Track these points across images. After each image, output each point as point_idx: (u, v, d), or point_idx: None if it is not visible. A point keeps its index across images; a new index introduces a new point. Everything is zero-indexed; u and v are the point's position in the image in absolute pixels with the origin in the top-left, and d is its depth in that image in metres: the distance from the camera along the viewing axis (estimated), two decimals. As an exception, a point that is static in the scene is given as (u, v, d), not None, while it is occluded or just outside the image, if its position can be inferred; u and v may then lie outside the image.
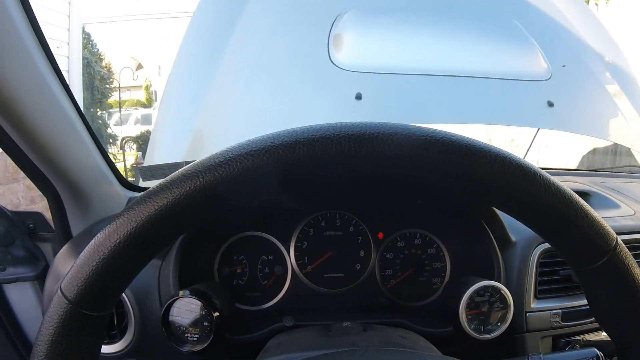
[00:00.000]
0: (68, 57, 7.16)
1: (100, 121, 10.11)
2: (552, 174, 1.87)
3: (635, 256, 1.34)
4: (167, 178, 0.55)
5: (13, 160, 1.15)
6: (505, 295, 1.11)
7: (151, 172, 1.79)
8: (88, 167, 1.30)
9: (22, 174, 1.24)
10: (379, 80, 1.98)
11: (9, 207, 1.38)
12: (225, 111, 1.98)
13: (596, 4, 6.77)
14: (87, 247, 0.55)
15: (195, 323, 1.06)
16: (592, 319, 0.68)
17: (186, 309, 1.06)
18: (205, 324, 1.05)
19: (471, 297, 1.10)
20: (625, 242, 1.33)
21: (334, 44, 2.01)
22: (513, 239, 1.28)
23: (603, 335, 1.30)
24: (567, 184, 1.78)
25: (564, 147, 5.13)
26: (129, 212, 0.54)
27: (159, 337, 1.07)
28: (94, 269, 0.54)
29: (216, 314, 1.06)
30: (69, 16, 7.24)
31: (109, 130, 10.18)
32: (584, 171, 2.53)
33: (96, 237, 0.55)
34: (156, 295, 1.21)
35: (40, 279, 1.33)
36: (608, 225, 0.60)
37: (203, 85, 1.99)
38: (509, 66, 2.11)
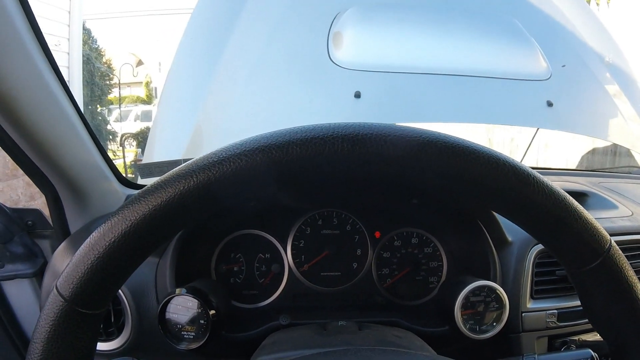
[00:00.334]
0: (68, 54, 7.15)
1: (100, 117, 10.10)
2: (550, 174, 1.87)
3: (632, 257, 1.35)
4: (162, 177, 0.55)
5: (11, 157, 1.15)
6: (500, 295, 1.11)
7: (149, 169, 1.79)
8: (86, 164, 1.29)
9: (21, 171, 1.24)
10: (379, 79, 1.98)
11: (8, 204, 1.38)
12: (225, 108, 1.98)
13: (597, 4, 6.76)
14: (82, 246, 0.56)
15: (191, 321, 1.06)
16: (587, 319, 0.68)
17: (183, 307, 1.06)
18: (202, 322, 1.05)
19: (467, 297, 1.10)
20: (622, 243, 1.35)
21: (334, 42, 2.01)
22: (509, 239, 1.29)
23: (599, 336, 1.30)
24: (566, 184, 1.79)
25: (564, 147, 5.13)
26: (123, 211, 0.54)
27: (156, 335, 1.07)
28: (89, 267, 0.55)
29: (212, 311, 1.06)
30: (69, 12, 7.24)
31: (108, 127, 10.18)
32: (582, 171, 2.53)
33: (91, 235, 0.55)
34: (153, 292, 1.21)
35: (38, 276, 1.33)
36: (602, 227, 0.60)
37: (203, 82, 1.99)
38: (508, 65, 2.11)
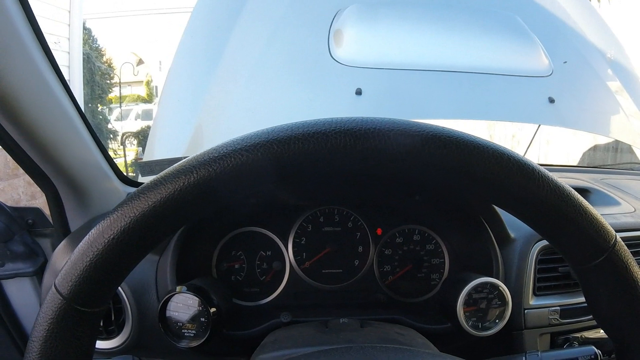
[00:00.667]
0: (68, 53, 7.15)
1: (101, 116, 10.11)
2: (552, 170, 1.87)
3: (635, 254, 1.35)
4: (161, 173, 0.55)
5: (11, 156, 1.15)
6: (503, 292, 1.11)
7: (150, 167, 1.79)
8: (86, 163, 1.29)
9: (22, 170, 1.24)
10: (380, 76, 1.97)
11: (10, 203, 1.38)
12: (226, 106, 1.98)
13: (598, 1, 6.75)
14: (80, 243, 0.55)
15: (192, 319, 1.06)
16: (591, 316, 0.67)
17: (183, 305, 1.06)
18: (202, 319, 1.05)
19: (469, 294, 1.10)
20: (625, 239, 1.34)
21: (335, 39, 2.01)
22: (512, 235, 1.28)
23: (602, 333, 1.30)
24: (568, 181, 1.78)
25: (565, 144, 5.13)
26: (122, 208, 0.54)
27: (156, 333, 1.07)
28: (87, 265, 0.54)
29: (213, 309, 1.05)
30: (69, 11, 7.24)
31: (109, 126, 10.18)
32: (584, 168, 2.53)
33: (90, 233, 0.55)
34: (154, 290, 1.20)
35: (39, 274, 1.33)
36: (607, 223, 0.60)
37: (203, 80, 1.98)
38: (510, 62, 2.11)
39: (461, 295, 1.09)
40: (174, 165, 0.55)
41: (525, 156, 0.58)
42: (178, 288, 1.06)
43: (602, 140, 4.23)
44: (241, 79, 2.00)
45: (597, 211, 0.59)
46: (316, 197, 1.35)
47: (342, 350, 0.64)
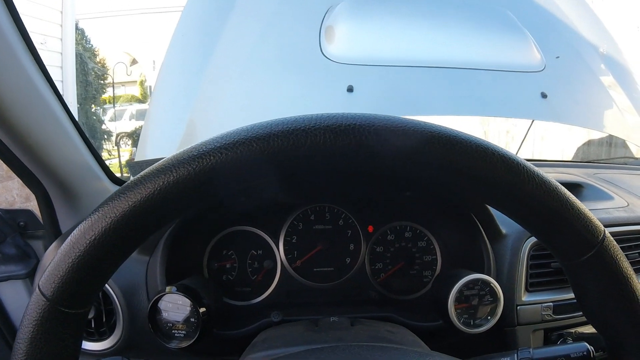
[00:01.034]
0: (61, 53, 7.15)
1: (94, 117, 10.09)
2: (546, 165, 1.87)
3: (628, 248, 1.35)
4: (142, 173, 0.55)
5: (-1, 157, 1.15)
6: (495, 288, 1.10)
7: (140, 167, 1.78)
8: (75, 163, 1.29)
9: (16, 172, 1.24)
10: (371, 73, 1.97)
11: (4, 205, 1.38)
12: (217, 104, 1.98)
13: (591, -5, 6.75)
14: (63, 245, 0.55)
15: (182, 319, 1.05)
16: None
17: (173, 305, 1.05)
18: (192, 320, 1.04)
19: (460, 291, 1.09)
20: (617, 234, 1.34)
21: (326, 36, 2.00)
22: (504, 231, 1.28)
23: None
24: (561, 176, 1.78)
25: (559, 139, 5.13)
26: (103, 208, 0.54)
27: (147, 334, 1.06)
28: (70, 266, 0.54)
29: (203, 309, 1.05)
30: (61, 12, 7.22)
31: (103, 127, 10.17)
32: (578, 163, 2.53)
33: (72, 234, 0.55)
34: (144, 291, 1.20)
35: (31, 276, 1.32)
36: (595, 218, 0.59)
37: (195, 78, 1.98)
38: (502, 57, 2.11)
39: (452, 292, 1.09)
40: (155, 164, 0.55)
41: (519, 152, 0.57)
42: (168, 288, 1.05)
43: (595, 135, 4.23)
44: (233, 76, 2.00)
45: (585, 206, 0.59)
46: (307, 195, 1.34)
47: (328, 350, 0.64)
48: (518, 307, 1.24)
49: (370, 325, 1.04)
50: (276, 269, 1.36)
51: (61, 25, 7.21)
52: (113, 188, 1.44)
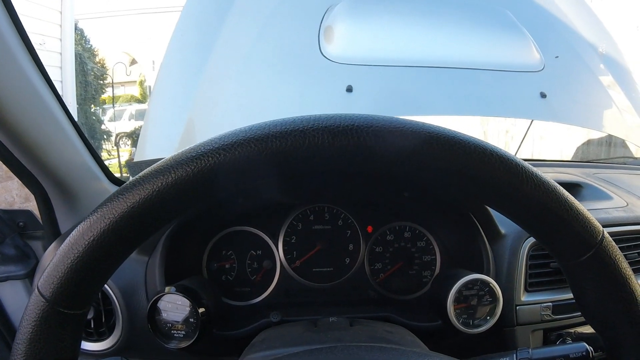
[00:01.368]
0: (60, 54, 7.15)
1: (94, 117, 10.09)
2: (545, 165, 1.87)
3: (627, 248, 1.35)
4: (140, 174, 0.55)
5: (-2, 157, 1.15)
6: (494, 288, 1.10)
7: (140, 167, 1.78)
8: (74, 164, 1.29)
9: (15, 172, 1.23)
10: (370, 73, 1.97)
11: (3, 206, 1.38)
12: (217, 104, 1.98)
13: (590, -5, 6.74)
14: (62, 245, 0.55)
15: (181, 319, 1.05)
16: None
17: (172, 305, 1.05)
18: (191, 320, 1.04)
19: (459, 291, 1.09)
20: (616, 234, 1.34)
21: (325, 36, 2.00)
22: (503, 231, 1.28)
23: (593, 329, 1.30)
24: (560, 176, 1.78)
25: (558, 139, 5.13)
26: (102, 209, 0.54)
27: (146, 334, 1.06)
28: (69, 266, 0.54)
29: (202, 310, 1.05)
30: (60, 12, 7.22)
31: (103, 127, 10.17)
32: (577, 162, 2.53)
33: (71, 234, 0.55)
34: (143, 291, 1.20)
35: (30, 277, 1.32)
36: (594, 218, 0.59)
37: (193, 78, 1.98)
38: (501, 57, 2.11)
39: (451, 292, 1.09)
40: (153, 165, 0.55)
41: (518, 152, 0.57)
42: (167, 289, 1.05)
43: (595, 134, 4.23)
44: (232, 76, 2.00)
45: (586, 207, 0.59)
46: (306, 195, 1.34)
47: (326, 350, 0.63)
48: (517, 307, 1.24)
49: (369, 325, 1.04)
50: (275, 269, 1.36)
51: (60, 26, 7.21)
52: (112, 188, 1.44)
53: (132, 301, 1.20)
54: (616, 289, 0.60)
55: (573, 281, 0.64)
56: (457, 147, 0.54)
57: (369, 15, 2.14)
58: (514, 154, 0.57)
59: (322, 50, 1.96)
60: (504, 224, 1.28)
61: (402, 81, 1.99)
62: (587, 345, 0.92)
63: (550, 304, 1.26)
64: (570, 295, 1.25)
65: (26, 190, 1.29)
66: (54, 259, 0.55)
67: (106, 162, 1.44)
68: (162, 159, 0.55)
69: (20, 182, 1.26)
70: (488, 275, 1.16)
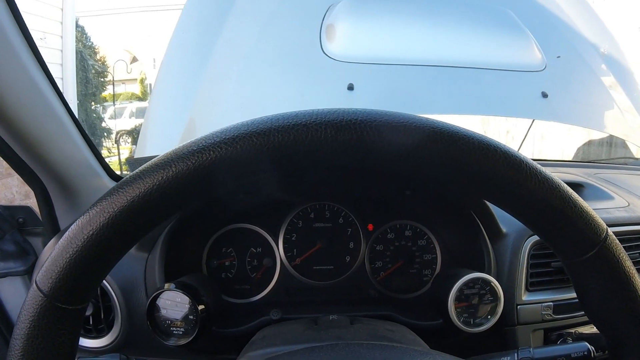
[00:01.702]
0: (61, 51, 7.15)
1: (94, 115, 10.10)
2: (546, 165, 1.86)
3: (629, 248, 1.34)
4: (140, 168, 0.54)
5: (-2, 153, 1.14)
6: (495, 287, 1.10)
7: (140, 164, 1.77)
8: (74, 160, 1.28)
9: (15, 169, 1.23)
10: (372, 71, 1.97)
11: (3, 202, 1.38)
12: (217, 102, 1.98)
13: (592, -5, 6.74)
14: (61, 240, 0.54)
15: (180, 316, 1.04)
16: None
17: (172, 302, 1.05)
18: (191, 317, 1.04)
19: (460, 290, 1.09)
20: (618, 234, 1.33)
21: (327, 34, 2.00)
22: (504, 230, 1.27)
23: (596, 328, 1.29)
24: (562, 176, 1.78)
25: (559, 139, 5.13)
26: (101, 203, 0.53)
27: (145, 331, 1.06)
28: (67, 261, 0.53)
29: (201, 307, 1.04)
30: (61, 9, 7.22)
31: (103, 124, 10.18)
32: (578, 162, 2.52)
33: (70, 229, 0.54)
34: (142, 288, 1.20)
35: (30, 273, 1.32)
36: (598, 216, 0.59)
37: (194, 76, 1.98)
38: (503, 57, 2.10)
39: (452, 291, 1.09)
40: (154, 159, 0.54)
41: (519, 151, 0.57)
42: (166, 285, 1.04)
43: (596, 135, 4.23)
44: (232, 74, 2.00)
45: (588, 204, 0.58)
46: (306, 192, 1.34)
47: (327, 348, 0.63)
48: (518, 307, 1.23)
49: (369, 323, 1.04)
50: (275, 267, 1.35)
51: (61, 23, 7.21)
52: (112, 185, 1.43)
53: (131, 298, 1.20)
54: (620, 287, 0.60)
55: (576, 280, 0.64)
56: (460, 143, 0.54)
57: (370, 14, 2.14)
58: (516, 151, 0.57)
59: (324, 49, 1.95)
60: (505, 223, 1.28)
61: (403, 80, 1.99)
62: (588, 345, 0.91)
63: (551, 303, 1.26)
64: (571, 295, 1.25)
65: (26, 187, 1.29)
66: (52, 253, 0.54)
67: (106, 160, 1.44)
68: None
69: (20, 179, 1.26)
70: (489, 274, 1.15)
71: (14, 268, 1.31)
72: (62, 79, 7.07)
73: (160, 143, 1.95)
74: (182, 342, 1.04)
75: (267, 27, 2.08)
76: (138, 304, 1.19)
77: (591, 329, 1.30)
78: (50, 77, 1.14)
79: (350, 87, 1.86)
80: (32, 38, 1.06)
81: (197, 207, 1.17)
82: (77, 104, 8.12)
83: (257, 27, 2.07)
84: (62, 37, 7.18)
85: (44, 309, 0.54)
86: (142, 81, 17.38)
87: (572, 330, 1.28)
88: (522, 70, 2.06)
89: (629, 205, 1.57)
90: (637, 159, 2.76)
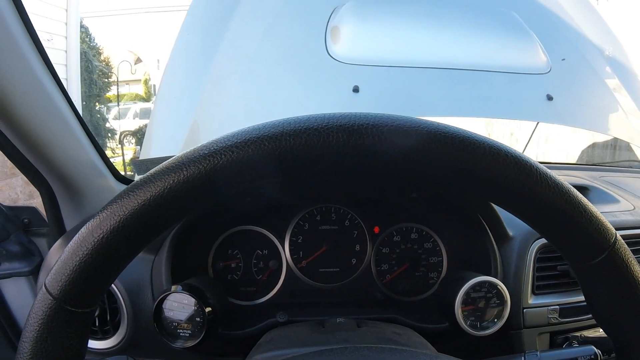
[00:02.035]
0: (66, 51, 7.16)
1: (98, 115, 10.12)
2: (551, 168, 1.86)
3: (635, 252, 1.33)
4: (151, 171, 0.54)
5: (4, 154, 1.14)
6: (502, 291, 1.10)
7: (146, 165, 1.78)
8: (81, 161, 1.29)
9: (19, 169, 1.24)
10: (377, 73, 1.97)
11: (7, 202, 1.38)
12: (222, 104, 1.98)
13: (597, -2, 6.74)
14: (70, 243, 0.54)
15: (187, 318, 1.05)
16: (591, 315, 0.66)
17: (178, 305, 1.05)
18: (198, 319, 1.04)
19: (467, 293, 1.09)
20: (624, 237, 1.32)
21: (332, 36, 2.00)
22: (510, 233, 1.27)
23: (602, 332, 1.29)
24: (566, 179, 1.77)
25: (564, 141, 5.13)
26: (111, 206, 0.53)
27: (151, 333, 1.06)
28: (77, 264, 0.53)
29: (208, 309, 1.05)
30: (66, 10, 7.23)
31: (107, 125, 10.20)
32: (583, 165, 2.52)
33: (80, 232, 0.54)
34: (149, 290, 1.20)
35: (35, 274, 1.33)
36: (607, 221, 0.59)
37: (199, 78, 1.98)
38: (508, 59, 2.10)
39: (459, 294, 1.09)
40: (164, 162, 0.54)
41: (524, 154, 0.57)
42: (173, 287, 1.05)
43: (600, 137, 4.23)
44: (237, 76, 2.00)
45: (596, 209, 0.58)
46: (313, 195, 1.34)
47: (337, 351, 0.63)
48: (524, 310, 1.23)
49: (376, 326, 1.04)
50: (281, 269, 1.36)
51: (66, 24, 7.22)
52: (118, 186, 1.44)
53: (137, 300, 1.20)
54: (628, 291, 0.60)
55: (585, 284, 0.64)
56: (471, 148, 0.54)
57: (375, 16, 2.14)
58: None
59: (329, 51, 1.95)
60: (512, 226, 1.28)
61: (408, 82, 1.99)
62: (595, 349, 0.91)
63: (558, 307, 1.26)
64: (578, 299, 1.25)
65: (30, 187, 1.30)
66: (62, 256, 0.54)
67: (110, 160, 1.44)
68: (168, 156, 0.55)
69: (24, 178, 1.26)
70: (495, 277, 1.15)
71: (19, 268, 1.31)
72: (66, 79, 7.08)
73: (165, 144, 1.95)
74: (189, 344, 1.04)
75: (272, 29, 2.08)
76: (144, 305, 1.19)
77: (597, 333, 1.30)
78: (57, 78, 1.15)
79: (356, 89, 1.86)
80: (38, 39, 1.07)
81: (204, 209, 1.17)
82: (82, 104, 8.13)
83: (262, 28, 2.07)
84: (66, 37, 7.19)
85: (53, 312, 0.54)
86: (146, 82, 17.42)
87: (578, 334, 1.28)
88: (527, 72, 2.06)
89: (634, 208, 1.57)
90: (641, 162, 2.76)
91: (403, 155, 0.54)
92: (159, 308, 1.04)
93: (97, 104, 10.47)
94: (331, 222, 1.36)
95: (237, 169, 0.53)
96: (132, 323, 1.20)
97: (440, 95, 2.01)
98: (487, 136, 0.56)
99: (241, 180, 0.54)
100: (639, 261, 1.32)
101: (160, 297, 1.04)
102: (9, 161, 1.18)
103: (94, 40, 11.18)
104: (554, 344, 1.28)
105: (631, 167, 2.40)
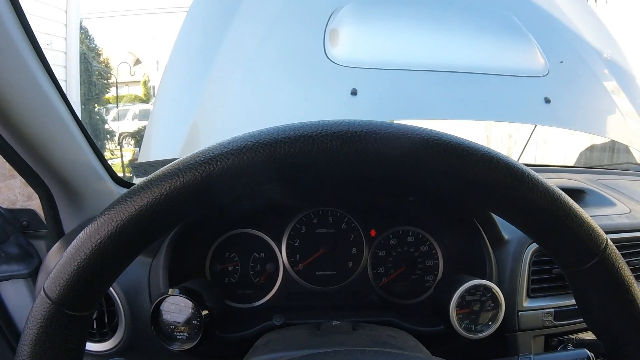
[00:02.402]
0: (65, 53, 7.14)
1: (97, 117, 10.10)
2: (548, 170, 1.87)
3: (630, 255, 1.34)
4: (148, 177, 0.55)
5: (2, 156, 1.15)
6: (496, 294, 1.10)
7: (144, 168, 1.78)
8: (79, 164, 1.29)
9: (18, 171, 1.24)
10: (375, 76, 1.97)
11: (6, 204, 1.38)
12: (221, 106, 1.98)
13: (595, 0, 6.74)
14: (69, 247, 0.55)
15: (184, 321, 1.05)
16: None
17: (176, 307, 1.05)
18: (195, 322, 1.05)
19: (462, 296, 1.09)
20: (620, 240, 1.34)
21: (330, 39, 2.00)
22: (506, 237, 1.28)
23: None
24: (564, 181, 1.78)
25: (562, 144, 5.13)
26: (109, 212, 0.54)
27: (149, 335, 1.07)
28: (75, 269, 0.54)
29: (205, 312, 1.05)
30: (66, 11, 7.22)
31: (106, 126, 10.18)
32: (580, 168, 2.52)
33: (78, 236, 0.55)
34: (146, 293, 1.20)
35: (33, 276, 1.33)
36: (598, 226, 0.59)
37: (198, 80, 1.98)
38: (506, 62, 2.10)
39: (454, 297, 1.09)
40: (162, 168, 0.55)
41: (521, 157, 0.58)
42: (170, 290, 1.05)
43: (598, 140, 4.23)
44: (236, 78, 2.00)
45: (589, 213, 0.59)
46: (310, 198, 1.35)
47: (331, 354, 0.64)
48: (519, 313, 1.24)
49: (372, 329, 1.04)
50: (278, 272, 1.36)
51: (65, 25, 7.21)
52: (116, 188, 1.45)
53: (135, 302, 1.20)
54: (619, 296, 0.60)
55: (576, 288, 0.64)
56: (464, 155, 0.54)
57: (374, 19, 2.14)
58: (517, 158, 0.57)
59: (327, 53, 1.95)
60: (507, 230, 1.28)
61: (406, 85, 1.99)
62: (588, 352, 0.91)
63: (552, 310, 1.26)
64: (572, 302, 1.24)
65: (29, 188, 1.30)
66: (60, 260, 0.55)
67: (109, 162, 1.45)
68: (167, 159, 0.56)
69: (22, 180, 1.26)
70: (491, 280, 1.16)
71: (17, 271, 1.32)
72: (65, 81, 7.06)
73: (164, 146, 1.95)
74: (186, 347, 1.04)
75: (271, 31, 2.08)
76: (142, 308, 1.20)
77: (592, 336, 1.30)
78: (55, 80, 1.15)
79: (354, 92, 1.86)
80: (37, 41, 1.07)
81: (201, 214, 1.18)
82: (81, 106, 8.12)
83: (262, 31, 2.07)
84: (66, 39, 7.17)
85: (51, 316, 0.55)
86: (145, 83, 17.41)
87: (573, 337, 1.28)
88: (525, 75, 2.06)
89: (630, 211, 1.57)
90: (639, 164, 2.76)
91: (396, 162, 0.55)
92: (157, 311, 1.05)
93: (96, 105, 10.45)
94: (328, 226, 1.37)
95: (232, 176, 0.53)
96: (130, 326, 1.20)
97: (438, 98, 2.01)
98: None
99: (237, 187, 0.55)
100: (635, 264, 1.33)
101: (158, 300, 1.04)
102: (7, 163, 1.18)
103: (93, 41, 11.16)
104: (549, 347, 1.28)
105: (629, 170, 2.41)
